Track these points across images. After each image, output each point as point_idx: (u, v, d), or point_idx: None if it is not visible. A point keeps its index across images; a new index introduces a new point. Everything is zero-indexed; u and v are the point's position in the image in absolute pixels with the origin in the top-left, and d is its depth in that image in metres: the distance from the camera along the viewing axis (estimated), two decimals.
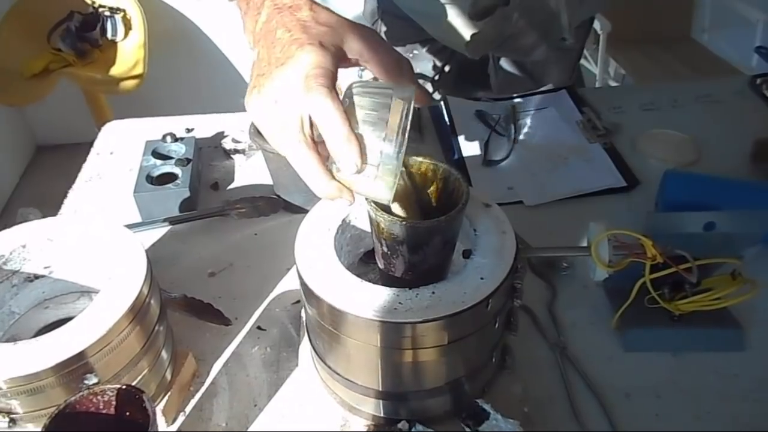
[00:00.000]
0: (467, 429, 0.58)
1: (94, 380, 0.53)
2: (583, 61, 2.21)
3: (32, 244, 0.62)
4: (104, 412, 0.51)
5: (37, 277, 0.64)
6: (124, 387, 0.51)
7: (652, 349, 0.71)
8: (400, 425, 0.58)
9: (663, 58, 2.10)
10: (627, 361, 0.70)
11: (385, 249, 0.54)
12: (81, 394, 0.50)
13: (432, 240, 0.52)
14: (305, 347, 0.67)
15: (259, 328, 0.74)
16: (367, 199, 0.52)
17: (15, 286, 0.63)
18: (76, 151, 1.14)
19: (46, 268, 0.64)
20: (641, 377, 0.68)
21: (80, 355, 0.53)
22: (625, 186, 0.92)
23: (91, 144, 1.09)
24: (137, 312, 0.57)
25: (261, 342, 0.72)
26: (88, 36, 1.96)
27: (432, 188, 0.57)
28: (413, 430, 0.57)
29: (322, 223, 0.59)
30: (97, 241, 0.62)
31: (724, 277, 0.70)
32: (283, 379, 0.68)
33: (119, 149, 1.06)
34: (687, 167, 0.96)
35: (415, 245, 0.52)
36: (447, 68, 1.29)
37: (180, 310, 0.73)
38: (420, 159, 0.56)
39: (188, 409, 0.65)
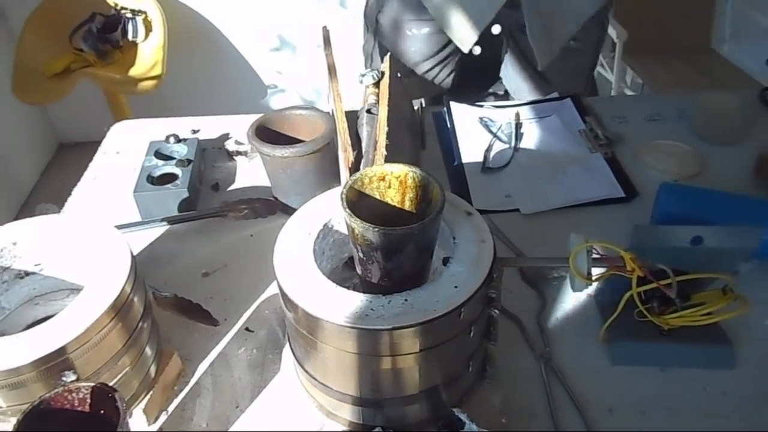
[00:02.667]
0: None
1: (72, 377, 0.54)
2: (599, 69, 2.19)
3: (23, 242, 0.64)
4: (79, 409, 0.52)
5: (27, 273, 0.66)
6: (98, 385, 0.52)
7: (639, 363, 0.70)
8: (375, 431, 0.58)
9: (681, 69, 2.07)
10: (613, 375, 0.69)
11: (361, 255, 0.55)
12: (56, 390, 0.51)
13: (406, 247, 0.52)
14: (288, 351, 0.68)
15: (247, 329, 0.75)
16: (343, 204, 0.52)
17: (5, 282, 0.64)
18: (97, 149, 1.16)
19: (36, 265, 0.66)
20: (626, 392, 0.67)
21: (60, 351, 0.54)
22: (624, 197, 0.91)
23: None
24: (119, 309, 0.58)
25: (248, 343, 0.73)
26: (109, 37, 2.00)
27: (412, 195, 0.57)
28: None
29: (303, 227, 0.60)
30: (87, 239, 0.64)
31: (715, 292, 0.69)
32: (267, 381, 0.69)
33: (126, 149, 1.08)
34: (689, 180, 0.94)
35: (389, 252, 0.53)
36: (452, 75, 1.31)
37: (170, 309, 0.74)
38: (399, 166, 0.57)
39: (171, 408, 0.66)
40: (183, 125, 1.12)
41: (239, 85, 2.48)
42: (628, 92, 2.17)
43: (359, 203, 0.55)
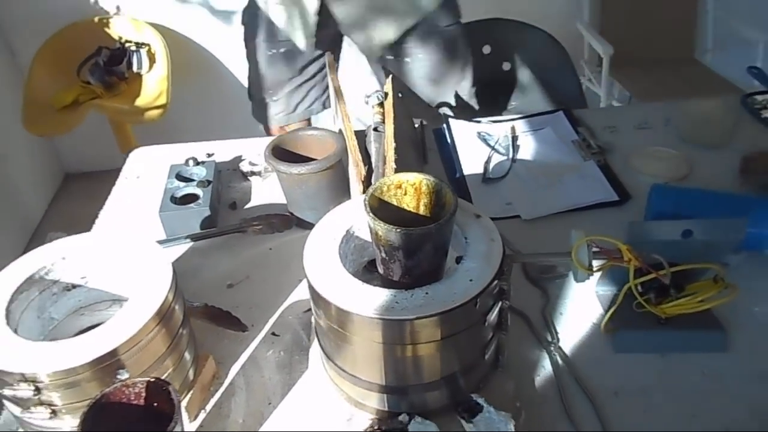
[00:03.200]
0: (462, 421, 0.63)
1: (126, 375, 0.60)
2: (587, 83, 2.28)
3: (71, 257, 0.69)
4: (135, 403, 0.58)
5: (74, 286, 0.71)
6: (152, 380, 0.57)
7: (640, 351, 0.75)
8: (400, 418, 0.63)
9: (666, 79, 2.16)
10: (616, 361, 0.75)
11: (384, 255, 0.60)
12: (115, 386, 0.57)
13: (424, 246, 0.58)
14: (315, 350, 0.73)
15: (273, 334, 0.80)
16: (366, 210, 0.58)
17: (55, 294, 0.70)
18: (102, 178, 1.22)
19: (82, 278, 0.71)
20: (630, 377, 0.73)
21: (113, 353, 0.59)
22: (618, 200, 0.97)
23: (115, 170, 1.18)
24: (163, 316, 0.64)
25: (275, 346, 0.78)
26: (116, 69, 2.08)
27: (426, 200, 0.63)
28: (413, 422, 0.63)
29: (328, 233, 0.66)
30: (129, 254, 0.69)
31: (707, 282, 0.75)
32: (295, 379, 0.74)
33: (145, 173, 1.14)
34: (678, 182, 1.01)
35: (410, 250, 0.58)
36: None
37: (201, 317, 0.79)
38: (415, 174, 0.63)
39: (209, 407, 0.71)
40: (197, 149, 1.18)
41: (238, 112, 2.55)
42: (616, 104, 2.25)
43: (379, 209, 0.61)
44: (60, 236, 1.38)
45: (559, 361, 0.74)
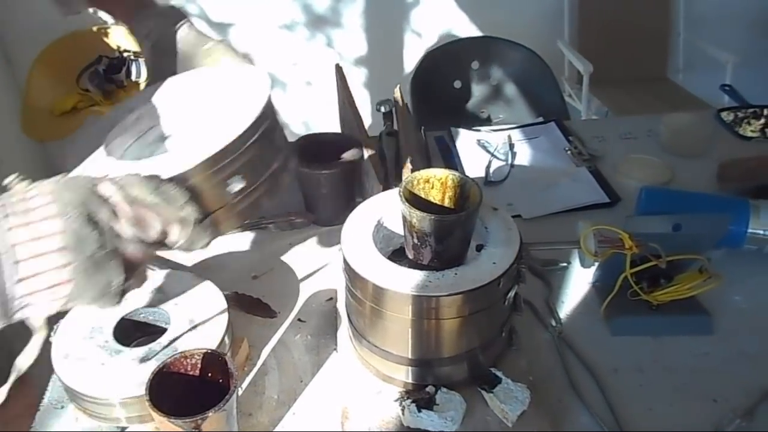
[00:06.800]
0: (483, 392, 0.70)
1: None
2: (567, 99, 2.39)
3: None
4: (191, 373, 0.63)
5: None
6: (209, 351, 0.63)
7: (634, 334, 0.83)
8: (427, 389, 0.70)
9: (641, 96, 2.29)
10: (614, 343, 0.82)
11: (416, 241, 0.67)
12: (174, 356, 0.62)
13: (454, 232, 0.66)
14: (342, 333, 0.79)
15: (299, 320, 0.86)
16: (402, 200, 0.65)
17: None
18: None
19: None
20: (627, 356, 0.80)
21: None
22: (609, 202, 1.06)
23: None
24: None
25: (302, 331, 0.84)
26: (114, 78, 2.13)
27: (451, 194, 0.71)
28: (439, 392, 0.69)
29: (362, 223, 0.73)
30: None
31: (694, 273, 0.83)
32: (324, 360, 0.80)
33: None
34: (662, 186, 1.10)
35: (440, 236, 0.66)
36: None
37: (232, 304, 0.85)
38: (441, 170, 0.70)
39: (244, 385, 0.77)
40: None
41: None
42: (595, 118, 2.37)
43: (409, 200, 0.68)
44: None
45: (564, 343, 0.82)
